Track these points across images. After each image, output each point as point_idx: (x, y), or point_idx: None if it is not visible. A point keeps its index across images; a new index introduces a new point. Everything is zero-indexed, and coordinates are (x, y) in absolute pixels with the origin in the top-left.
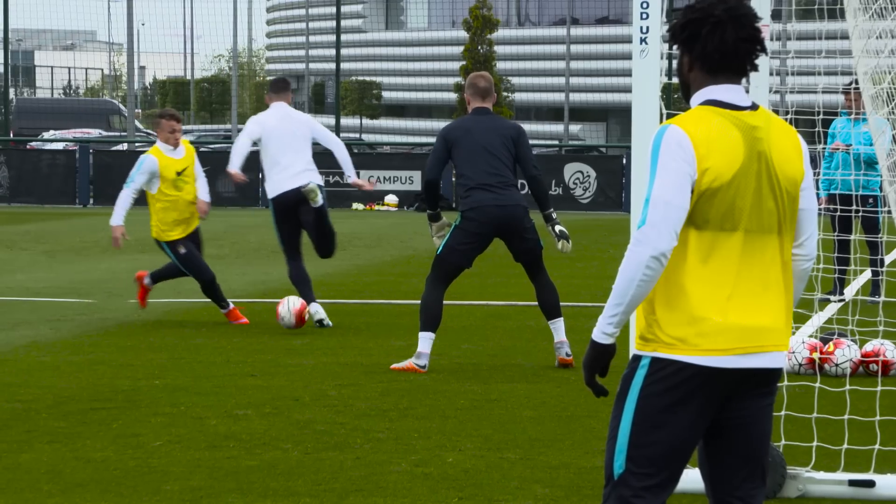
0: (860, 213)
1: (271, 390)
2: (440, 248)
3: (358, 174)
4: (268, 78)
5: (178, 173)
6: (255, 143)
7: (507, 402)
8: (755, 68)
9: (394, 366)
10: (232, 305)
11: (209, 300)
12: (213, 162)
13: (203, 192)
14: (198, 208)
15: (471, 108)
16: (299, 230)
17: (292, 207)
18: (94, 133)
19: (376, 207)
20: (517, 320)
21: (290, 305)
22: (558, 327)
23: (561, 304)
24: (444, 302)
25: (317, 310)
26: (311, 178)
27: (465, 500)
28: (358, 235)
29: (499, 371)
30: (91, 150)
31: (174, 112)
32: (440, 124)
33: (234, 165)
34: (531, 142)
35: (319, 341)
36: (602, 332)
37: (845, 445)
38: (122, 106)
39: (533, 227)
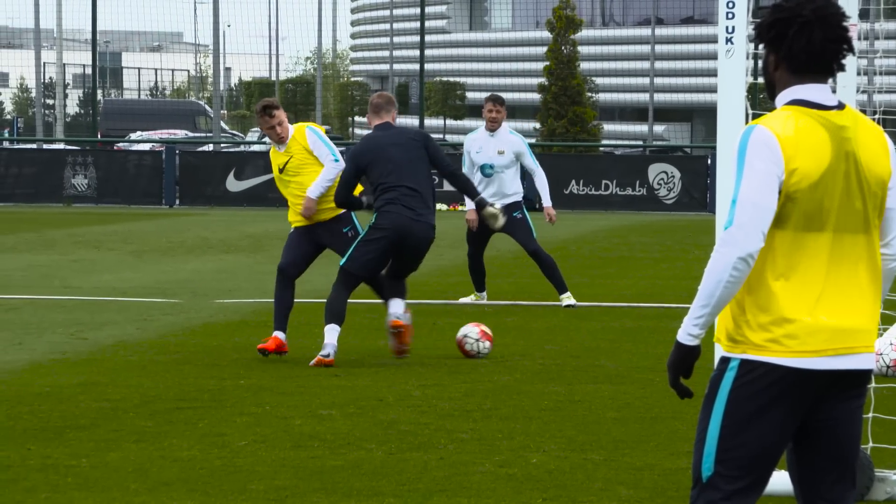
0: None
1: (355, 390)
2: (343, 261)
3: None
4: (352, 79)
5: (281, 169)
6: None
7: (591, 403)
8: (842, 68)
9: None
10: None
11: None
12: None
13: (314, 185)
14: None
15: (372, 126)
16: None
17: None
18: (181, 134)
19: (459, 208)
20: (600, 321)
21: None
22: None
23: (645, 304)
24: (529, 302)
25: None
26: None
27: (548, 501)
28: (441, 235)
29: (582, 372)
30: (177, 151)
31: (264, 102)
32: (524, 125)
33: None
34: (615, 142)
35: None
36: (688, 333)
37: None
38: (207, 107)
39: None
